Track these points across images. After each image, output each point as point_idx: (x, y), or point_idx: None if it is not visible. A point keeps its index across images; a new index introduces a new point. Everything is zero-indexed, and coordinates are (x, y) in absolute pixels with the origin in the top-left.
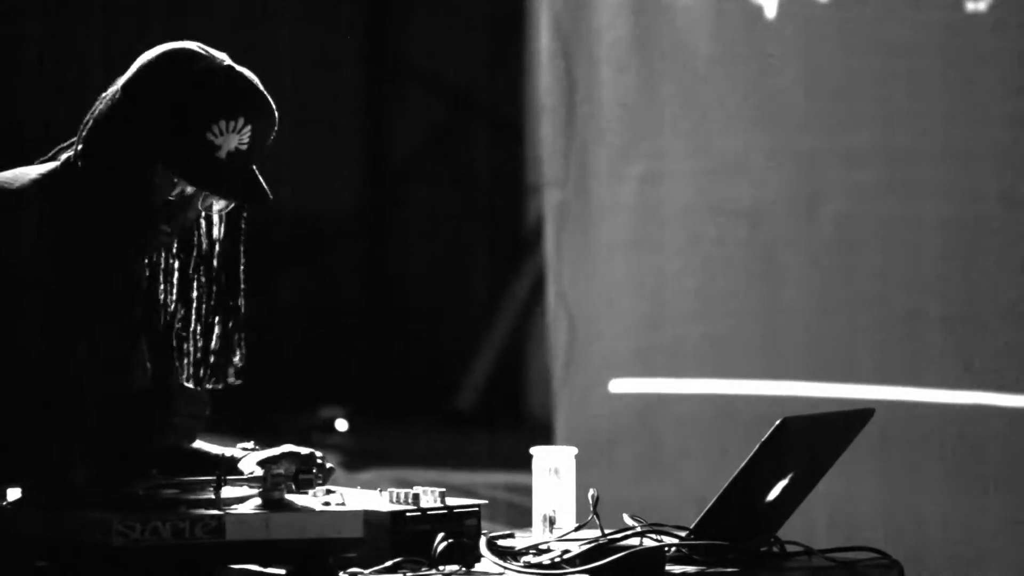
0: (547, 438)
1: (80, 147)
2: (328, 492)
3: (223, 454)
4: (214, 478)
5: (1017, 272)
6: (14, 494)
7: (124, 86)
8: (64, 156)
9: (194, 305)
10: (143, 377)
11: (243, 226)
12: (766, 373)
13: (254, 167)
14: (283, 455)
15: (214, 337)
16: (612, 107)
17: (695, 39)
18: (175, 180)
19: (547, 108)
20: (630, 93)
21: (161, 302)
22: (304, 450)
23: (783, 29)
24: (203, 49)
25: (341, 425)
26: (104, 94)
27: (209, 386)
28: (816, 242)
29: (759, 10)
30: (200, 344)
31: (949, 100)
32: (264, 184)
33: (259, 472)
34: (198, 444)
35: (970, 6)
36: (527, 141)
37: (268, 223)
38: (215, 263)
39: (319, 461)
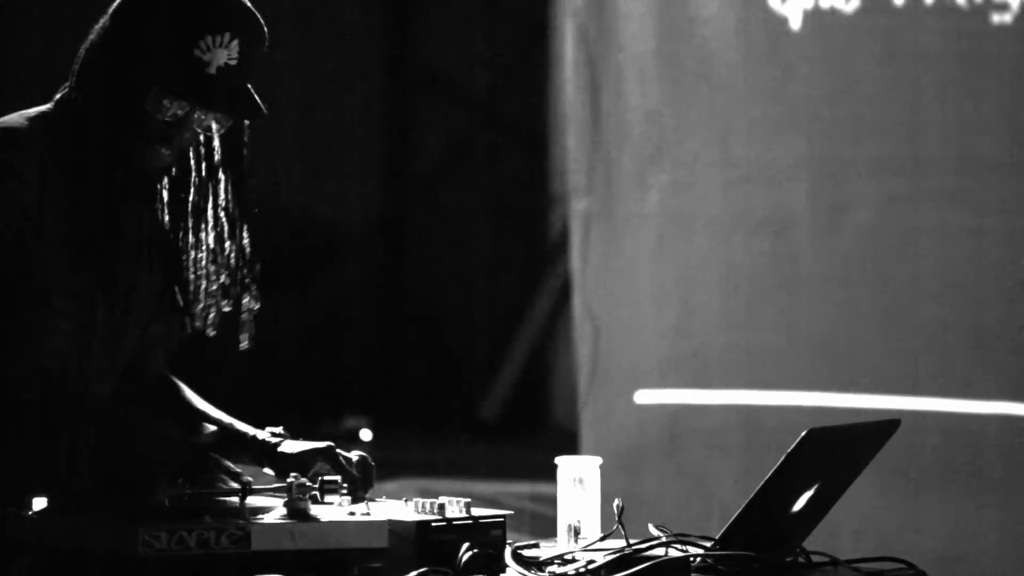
0: (572, 448)
1: (74, 80)
2: (366, 500)
3: (255, 435)
4: (239, 488)
5: None
6: (39, 503)
7: (113, 13)
8: (57, 95)
9: (197, 234)
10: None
11: (245, 149)
12: (792, 384)
13: (248, 84)
14: (324, 450)
15: (223, 277)
16: (637, 116)
17: (720, 49)
18: (168, 101)
19: (572, 117)
20: (655, 102)
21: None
22: (347, 454)
23: (808, 39)
24: None
25: (365, 435)
26: (94, 26)
27: (211, 332)
28: (841, 251)
29: (784, 21)
30: (207, 284)
31: (975, 110)
32: (257, 99)
33: (290, 474)
34: (229, 419)
35: (995, 17)
36: (551, 151)
37: (294, 232)
38: (216, 188)
39: (367, 460)
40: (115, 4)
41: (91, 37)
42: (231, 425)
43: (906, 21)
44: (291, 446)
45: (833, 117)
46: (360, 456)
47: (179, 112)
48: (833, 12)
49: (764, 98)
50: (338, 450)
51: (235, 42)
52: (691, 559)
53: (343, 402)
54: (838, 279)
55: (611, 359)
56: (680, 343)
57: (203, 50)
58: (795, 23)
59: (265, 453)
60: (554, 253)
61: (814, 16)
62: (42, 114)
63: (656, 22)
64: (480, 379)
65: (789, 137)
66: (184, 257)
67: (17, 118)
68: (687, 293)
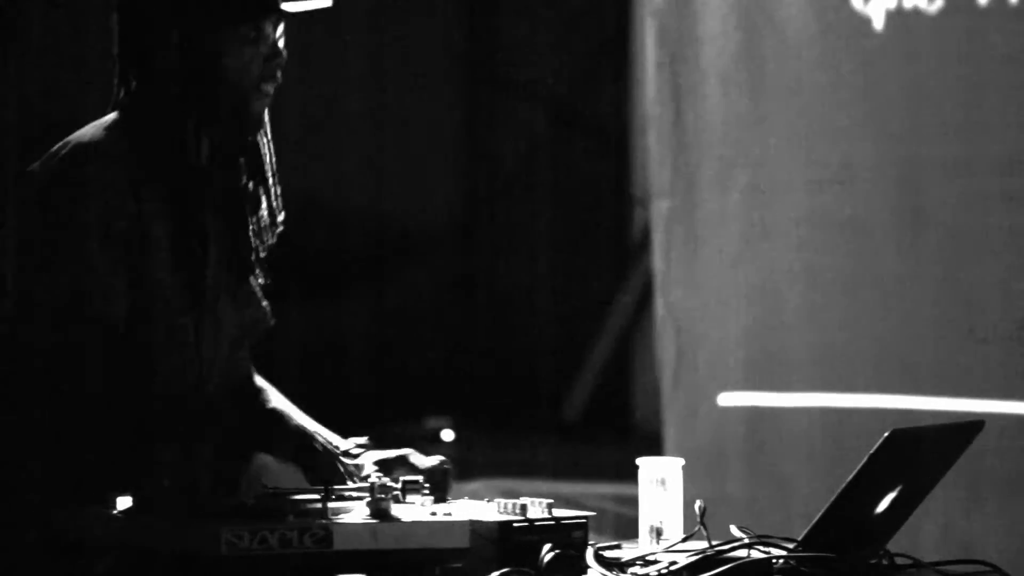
0: (654, 449)
1: (133, 74)
2: (438, 500)
3: (337, 447)
4: (322, 488)
5: None
6: (123, 503)
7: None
8: (118, 99)
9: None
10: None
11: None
12: (875, 386)
13: None
14: (398, 459)
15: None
16: (718, 117)
17: (802, 49)
18: (248, 31)
19: (653, 118)
20: (736, 103)
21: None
22: (424, 460)
23: (891, 39)
24: None
25: (447, 435)
26: (111, 26)
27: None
28: (923, 252)
29: (867, 21)
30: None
31: None
32: None
33: (372, 474)
34: (315, 428)
35: None
36: (631, 151)
37: (370, 232)
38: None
39: (443, 467)
40: None
41: (119, 34)
42: (315, 436)
43: (990, 22)
44: (369, 457)
45: (916, 118)
46: (437, 461)
47: (260, 43)
48: (916, 12)
49: (846, 99)
50: (414, 457)
51: None
52: (774, 560)
53: (424, 402)
54: (921, 280)
55: (694, 360)
56: (762, 344)
57: None
58: (878, 23)
59: (346, 467)
60: (636, 253)
61: (897, 16)
62: (115, 122)
63: (737, 22)
64: (562, 379)
65: (871, 138)
66: (251, 239)
67: (94, 131)
68: (769, 294)
